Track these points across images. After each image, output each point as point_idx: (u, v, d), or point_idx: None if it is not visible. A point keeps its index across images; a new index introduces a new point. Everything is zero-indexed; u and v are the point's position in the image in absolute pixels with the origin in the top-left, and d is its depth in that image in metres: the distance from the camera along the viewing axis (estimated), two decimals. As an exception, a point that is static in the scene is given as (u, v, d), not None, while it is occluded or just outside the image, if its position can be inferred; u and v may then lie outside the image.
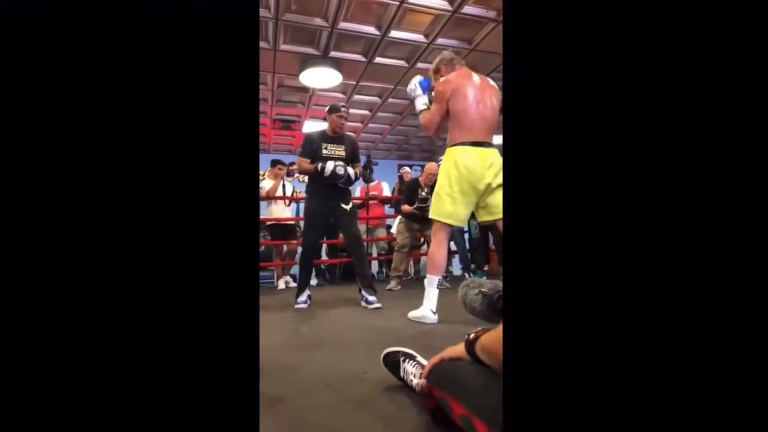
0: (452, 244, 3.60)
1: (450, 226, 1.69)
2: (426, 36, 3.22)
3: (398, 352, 0.86)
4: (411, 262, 4.05)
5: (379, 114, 4.77)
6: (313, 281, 3.83)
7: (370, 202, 3.97)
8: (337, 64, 3.55)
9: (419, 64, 3.59)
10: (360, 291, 2.21)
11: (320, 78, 3.68)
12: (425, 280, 1.70)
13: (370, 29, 3.11)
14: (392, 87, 4.07)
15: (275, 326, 1.76)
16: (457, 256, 3.72)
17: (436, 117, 1.68)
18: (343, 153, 2.26)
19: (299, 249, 3.78)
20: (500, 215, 1.68)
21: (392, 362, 0.85)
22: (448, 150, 1.67)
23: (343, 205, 2.27)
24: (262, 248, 4.08)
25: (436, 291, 1.65)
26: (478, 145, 1.63)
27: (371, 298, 2.13)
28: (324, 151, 2.21)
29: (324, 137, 2.24)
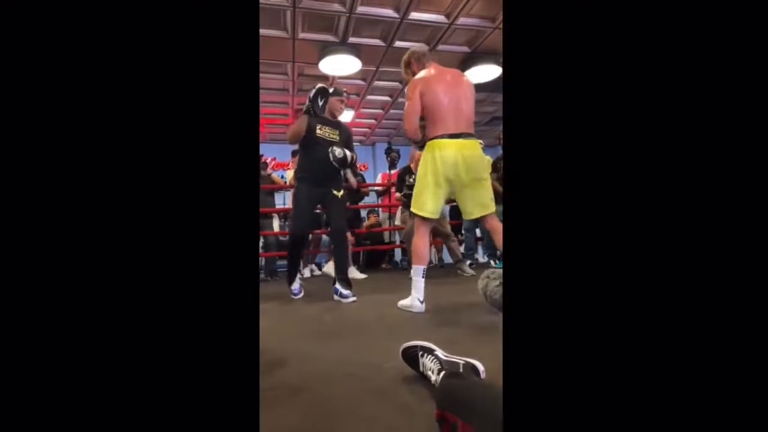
0: (478, 231, 3.55)
1: (430, 219, 1.70)
2: (447, 16, 3.11)
3: (417, 346, 0.85)
4: (434, 250, 4.02)
5: (401, 99, 4.69)
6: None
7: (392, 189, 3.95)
8: (356, 50, 3.50)
9: (440, 46, 3.49)
10: (334, 284, 2.10)
11: (340, 65, 3.65)
12: (411, 271, 1.72)
13: (389, 12, 3.03)
14: (413, 71, 3.98)
15: (298, 315, 1.79)
16: (482, 243, 3.66)
17: (410, 112, 1.67)
18: (337, 137, 2.14)
19: (324, 237, 3.84)
20: (469, 216, 1.72)
21: (411, 357, 0.84)
22: (427, 144, 1.68)
23: (335, 192, 2.14)
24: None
25: (422, 280, 1.67)
26: (455, 137, 1.63)
27: (346, 291, 2.04)
28: (318, 132, 2.07)
29: (320, 118, 2.08)
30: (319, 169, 2.08)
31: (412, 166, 3.23)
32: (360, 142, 6.33)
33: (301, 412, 0.74)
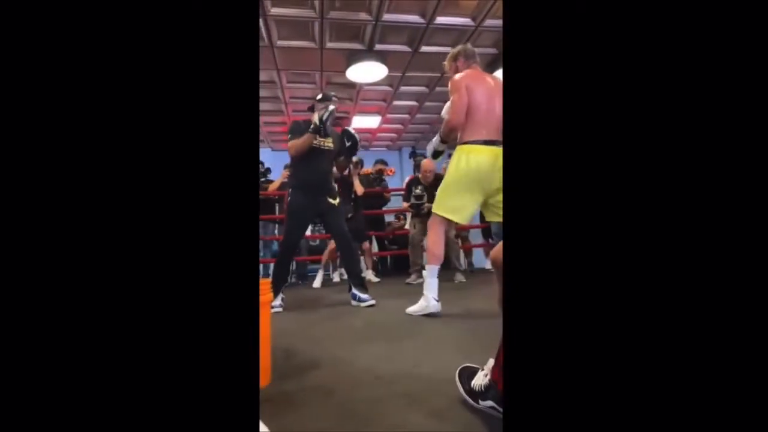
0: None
1: (449, 221, 1.70)
2: (473, 19, 3.09)
3: (476, 367, 0.81)
4: (462, 254, 3.98)
5: (427, 104, 4.68)
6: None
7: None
8: (383, 56, 3.54)
9: (467, 49, 3.47)
10: (351, 290, 2.12)
11: (366, 72, 3.70)
12: (424, 271, 1.72)
13: (415, 18, 3.05)
14: (440, 75, 3.98)
15: (329, 319, 1.82)
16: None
17: (460, 104, 1.64)
18: (332, 145, 2.12)
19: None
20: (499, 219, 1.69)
21: (470, 374, 0.80)
22: (459, 147, 1.66)
23: (330, 200, 2.10)
24: (317, 242, 4.24)
25: (436, 280, 1.66)
26: (490, 144, 1.62)
27: (364, 296, 2.05)
28: (314, 141, 2.05)
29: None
30: (314, 178, 2.06)
31: (420, 176, 3.28)
32: (387, 147, 6.37)
33: (328, 414, 0.75)
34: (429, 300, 1.63)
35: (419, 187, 3.19)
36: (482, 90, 1.64)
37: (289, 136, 2.08)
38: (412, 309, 1.69)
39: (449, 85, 1.72)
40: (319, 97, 2.14)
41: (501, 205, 1.66)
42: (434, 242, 1.71)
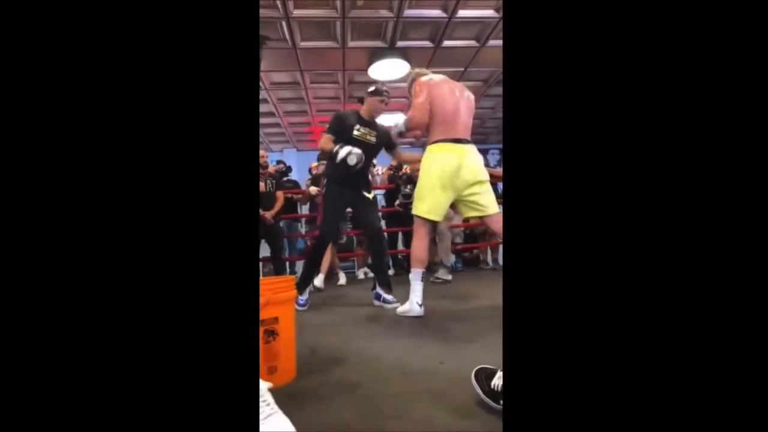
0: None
1: (430, 221, 1.72)
2: (496, 10, 3.02)
3: (494, 369, 0.80)
4: (489, 251, 3.91)
5: (450, 99, 4.63)
6: (391, 272, 3.91)
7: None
8: (405, 53, 3.52)
9: (490, 42, 3.40)
10: (375, 288, 2.03)
11: (389, 70, 3.69)
12: (410, 275, 1.73)
13: (437, 12, 3.02)
14: (462, 70, 3.93)
15: (354, 315, 1.84)
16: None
17: (425, 106, 1.70)
18: (374, 139, 2.01)
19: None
20: (486, 212, 1.70)
21: (488, 374, 0.79)
22: (429, 147, 1.71)
23: (366, 194, 2.04)
24: (344, 239, 4.29)
25: (421, 284, 1.69)
26: (456, 142, 1.67)
27: (389, 297, 1.96)
28: (355, 132, 1.94)
29: (358, 118, 1.98)
30: (348, 170, 1.92)
31: (408, 170, 3.27)
32: (411, 143, 6.35)
33: (354, 408, 0.76)
34: (412, 304, 1.67)
35: (409, 186, 3.17)
36: (446, 91, 1.72)
37: (327, 127, 1.99)
38: (400, 309, 1.73)
39: (414, 90, 1.77)
40: (371, 89, 2.02)
41: (475, 199, 1.69)
42: (416, 246, 1.73)
